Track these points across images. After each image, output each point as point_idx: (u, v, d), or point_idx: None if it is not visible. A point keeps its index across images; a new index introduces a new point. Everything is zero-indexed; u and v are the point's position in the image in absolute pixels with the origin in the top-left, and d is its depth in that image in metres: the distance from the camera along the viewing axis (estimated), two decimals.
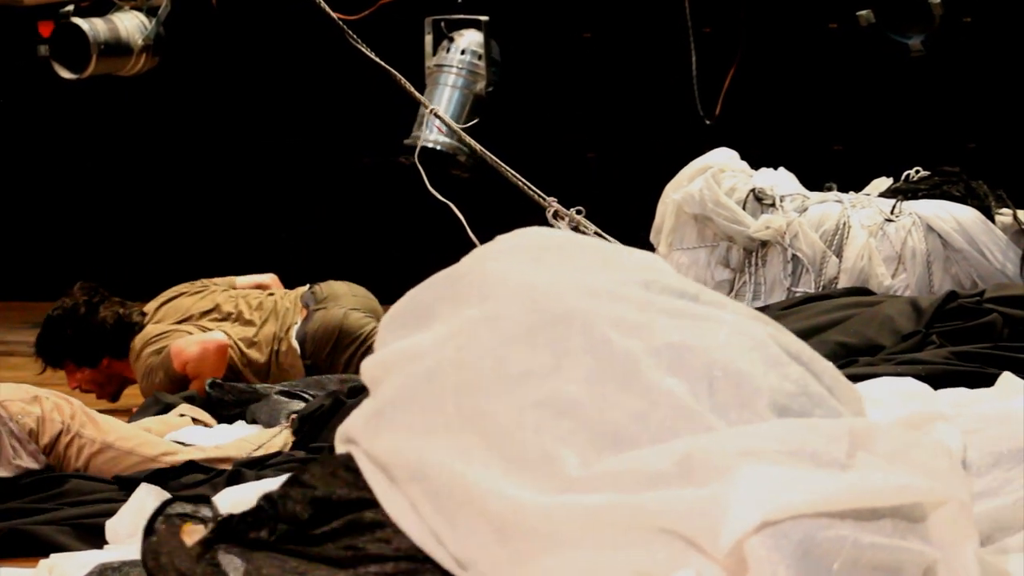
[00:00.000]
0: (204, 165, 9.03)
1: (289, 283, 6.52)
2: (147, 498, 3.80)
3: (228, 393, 5.30)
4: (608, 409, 2.46)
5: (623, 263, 2.74)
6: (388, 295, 7.10)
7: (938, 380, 3.76)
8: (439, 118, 5.92)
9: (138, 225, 9.08)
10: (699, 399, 2.47)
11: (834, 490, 2.26)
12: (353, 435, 2.73)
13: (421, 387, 2.61)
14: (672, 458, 2.36)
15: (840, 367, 4.16)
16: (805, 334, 4.52)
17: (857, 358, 4.35)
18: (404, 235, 8.67)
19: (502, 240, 2.83)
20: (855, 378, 3.71)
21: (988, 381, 3.66)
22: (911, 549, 2.28)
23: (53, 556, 3.52)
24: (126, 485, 4.19)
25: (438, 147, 6.38)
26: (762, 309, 5.22)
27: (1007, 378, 3.59)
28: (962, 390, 3.63)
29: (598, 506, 2.34)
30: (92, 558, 3.46)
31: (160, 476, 4.27)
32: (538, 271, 2.67)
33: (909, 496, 2.31)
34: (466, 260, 2.80)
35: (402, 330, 2.74)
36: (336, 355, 6.12)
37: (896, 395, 3.49)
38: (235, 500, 3.65)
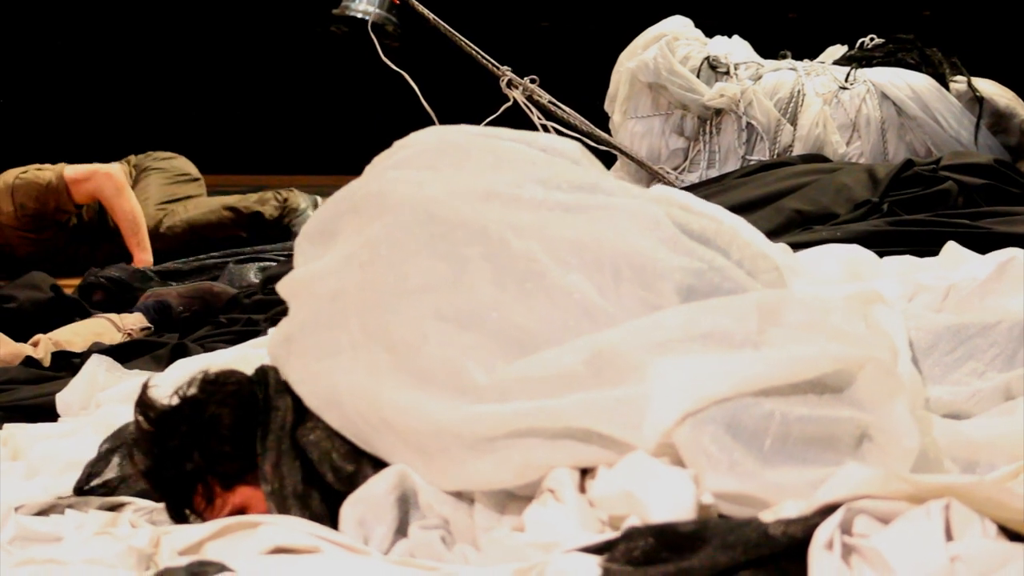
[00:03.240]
0: (147, 34, 8.91)
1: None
2: (97, 369, 3.79)
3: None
4: (511, 315, 2.43)
5: (518, 160, 2.68)
6: (340, 168, 7.07)
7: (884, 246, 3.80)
8: None
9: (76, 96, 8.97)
10: (604, 292, 2.44)
11: (750, 371, 2.25)
12: (272, 356, 2.71)
13: (326, 308, 2.58)
14: (580, 356, 2.35)
15: (797, 234, 4.22)
16: (761, 201, 4.54)
17: (812, 226, 4.36)
18: (357, 106, 8.60)
19: (399, 147, 2.78)
20: (798, 246, 3.75)
21: (934, 251, 3.67)
22: (841, 418, 2.26)
23: (7, 427, 3.50)
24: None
25: (367, 17, 6.33)
26: (718, 178, 5.23)
27: (951, 247, 3.60)
28: (907, 258, 3.64)
29: (517, 412, 2.33)
30: (46, 430, 3.44)
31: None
32: (435, 179, 2.63)
33: (825, 365, 2.29)
34: (367, 171, 2.76)
35: (312, 249, 2.72)
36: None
37: (840, 265, 3.50)
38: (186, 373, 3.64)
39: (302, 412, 2.59)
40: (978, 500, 2.03)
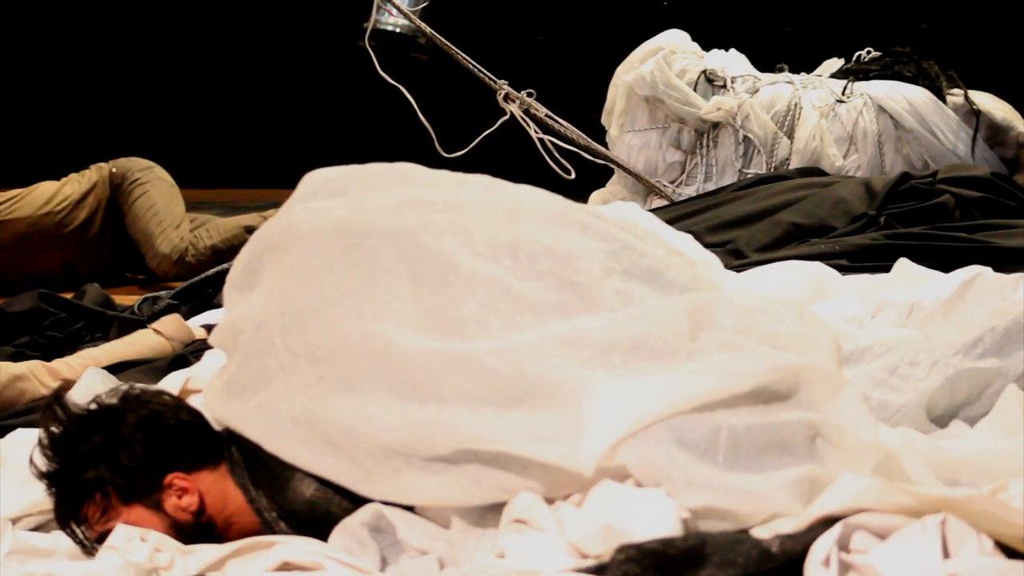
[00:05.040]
0: (151, 43, 8.92)
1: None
2: (94, 381, 3.77)
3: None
4: (431, 307, 2.43)
5: (425, 178, 2.69)
6: None
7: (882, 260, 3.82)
8: (390, 1, 5.83)
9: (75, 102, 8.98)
10: (523, 278, 2.43)
11: (688, 390, 2.24)
12: (207, 402, 2.70)
13: (253, 340, 2.58)
14: (508, 358, 2.33)
15: (794, 248, 4.24)
16: (758, 215, 4.55)
17: (809, 239, 4.36)
18: (356, 120, 8.60)
19: (304, 182, 2.76)
20: (795, 260, 3.77)
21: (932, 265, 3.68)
22: (790, 421, 2.25)
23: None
24: None
25: (396, 29, 6.34)
26: (715, 191, 5.23)
27: (903, 264, 3.62)
28: (864, 276, 3.67)
29: (455, 429, 2.31)
30: (23, 436, 3.40)
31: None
32: (344, 204, 2.63)
33: (764, 377, 2.28)
34: (279, 211, 2.75)
35: (238, 295, 2.71)
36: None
37: (804, 280, 3.52)
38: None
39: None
40: (975, 514, 2.04)
